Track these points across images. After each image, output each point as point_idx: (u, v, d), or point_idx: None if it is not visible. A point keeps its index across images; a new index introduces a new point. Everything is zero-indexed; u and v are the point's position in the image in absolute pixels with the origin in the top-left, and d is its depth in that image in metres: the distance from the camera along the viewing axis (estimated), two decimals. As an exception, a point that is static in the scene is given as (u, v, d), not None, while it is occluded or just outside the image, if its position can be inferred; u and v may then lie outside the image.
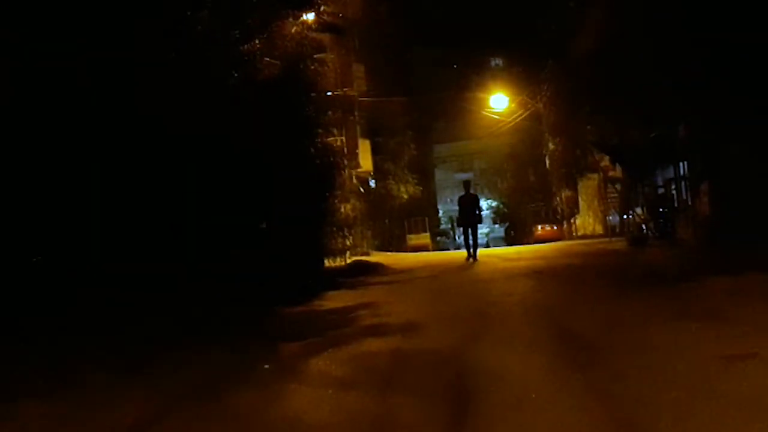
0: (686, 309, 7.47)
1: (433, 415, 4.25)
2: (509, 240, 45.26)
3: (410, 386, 5.12)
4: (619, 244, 21.29)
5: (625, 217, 26.72)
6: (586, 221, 36.27)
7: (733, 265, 10.03)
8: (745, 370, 4.63)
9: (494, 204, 55.89)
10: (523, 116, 39.09)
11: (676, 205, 20.85)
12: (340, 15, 20.89)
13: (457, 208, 20.13)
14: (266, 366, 4.02)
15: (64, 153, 9.04)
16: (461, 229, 19.80)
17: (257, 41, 12.38)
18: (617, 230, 27.37)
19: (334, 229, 16.06)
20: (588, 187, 35.14)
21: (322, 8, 15.31)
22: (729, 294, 8.13)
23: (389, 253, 29.75)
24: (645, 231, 22.17)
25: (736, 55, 12.99)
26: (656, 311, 7.57)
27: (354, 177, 29.62)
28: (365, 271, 17.28)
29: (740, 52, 12.92)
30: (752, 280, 8.73)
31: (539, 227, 39.67)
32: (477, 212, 18.76)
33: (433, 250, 37.64)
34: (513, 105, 39.69)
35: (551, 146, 37.65)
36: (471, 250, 18.28)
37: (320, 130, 14.27)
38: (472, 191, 19.93)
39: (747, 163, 14.22)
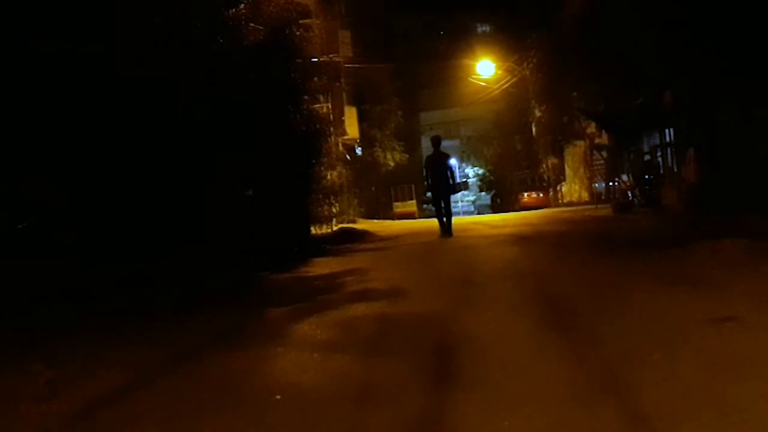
0: (670, 274, 7.53)
1: (416, 378, 4.27)
2: (495, 207, 45.18)
3: (395, 350, 5.15)
4: (604, 210, 21.40)
5: (611, 184, 26.83)
6: (572, 188, 36.36)
7: (718, 231, 10.08)
8: (726, 333, 4.67)
9: (480, 171, 55.82)
10: (509, 83, 38.95)
11: (661, 171, 20.91)
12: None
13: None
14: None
15: (51, 119, 8.96)
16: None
17: (242, 6, 12.26)
18: (603, 197, 27.45)
19: (321, 196, 16.04)
20: (574, 154, 35.21)
21: (307, -27, 15.17)
22: (712, 259, 8.19)
23: (376, 221, 29.79)
24: (631, 198, 22.29)
25: (722, 19, 12.94)
26: (640, 276, 7.64)
27: (340, 144, 29.54)
28: (351, 238, 17.32)
29: (726, 16, 12.87)
30: (736, 245, 8.78)
31: (525, 194, 39.65)
32: (450, 177, 15.42)
33: (420, 218, 37.65)
34: (500, 72, 39.50)
35: (538, 113, 37.61)
36: (444, 220, 15.30)
37: (306, 97, 14.19)
38: (443, 150, 16.11)
39: (733, 129, 14.24)
